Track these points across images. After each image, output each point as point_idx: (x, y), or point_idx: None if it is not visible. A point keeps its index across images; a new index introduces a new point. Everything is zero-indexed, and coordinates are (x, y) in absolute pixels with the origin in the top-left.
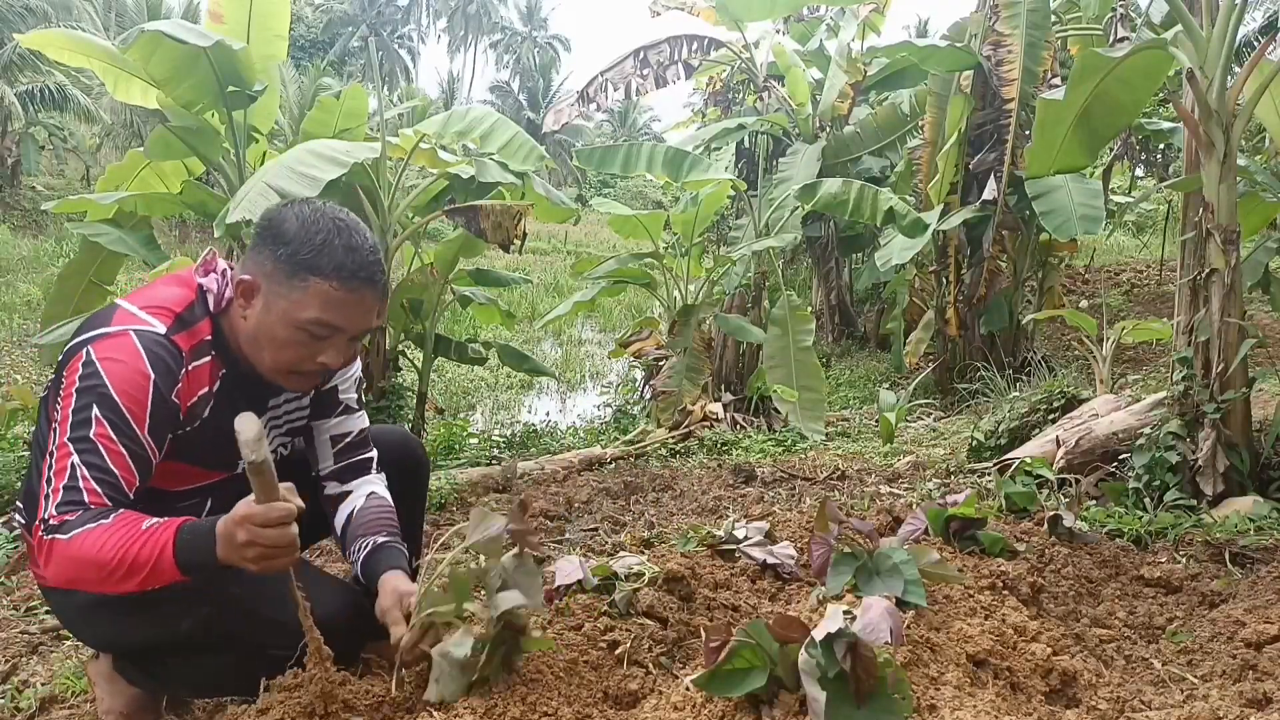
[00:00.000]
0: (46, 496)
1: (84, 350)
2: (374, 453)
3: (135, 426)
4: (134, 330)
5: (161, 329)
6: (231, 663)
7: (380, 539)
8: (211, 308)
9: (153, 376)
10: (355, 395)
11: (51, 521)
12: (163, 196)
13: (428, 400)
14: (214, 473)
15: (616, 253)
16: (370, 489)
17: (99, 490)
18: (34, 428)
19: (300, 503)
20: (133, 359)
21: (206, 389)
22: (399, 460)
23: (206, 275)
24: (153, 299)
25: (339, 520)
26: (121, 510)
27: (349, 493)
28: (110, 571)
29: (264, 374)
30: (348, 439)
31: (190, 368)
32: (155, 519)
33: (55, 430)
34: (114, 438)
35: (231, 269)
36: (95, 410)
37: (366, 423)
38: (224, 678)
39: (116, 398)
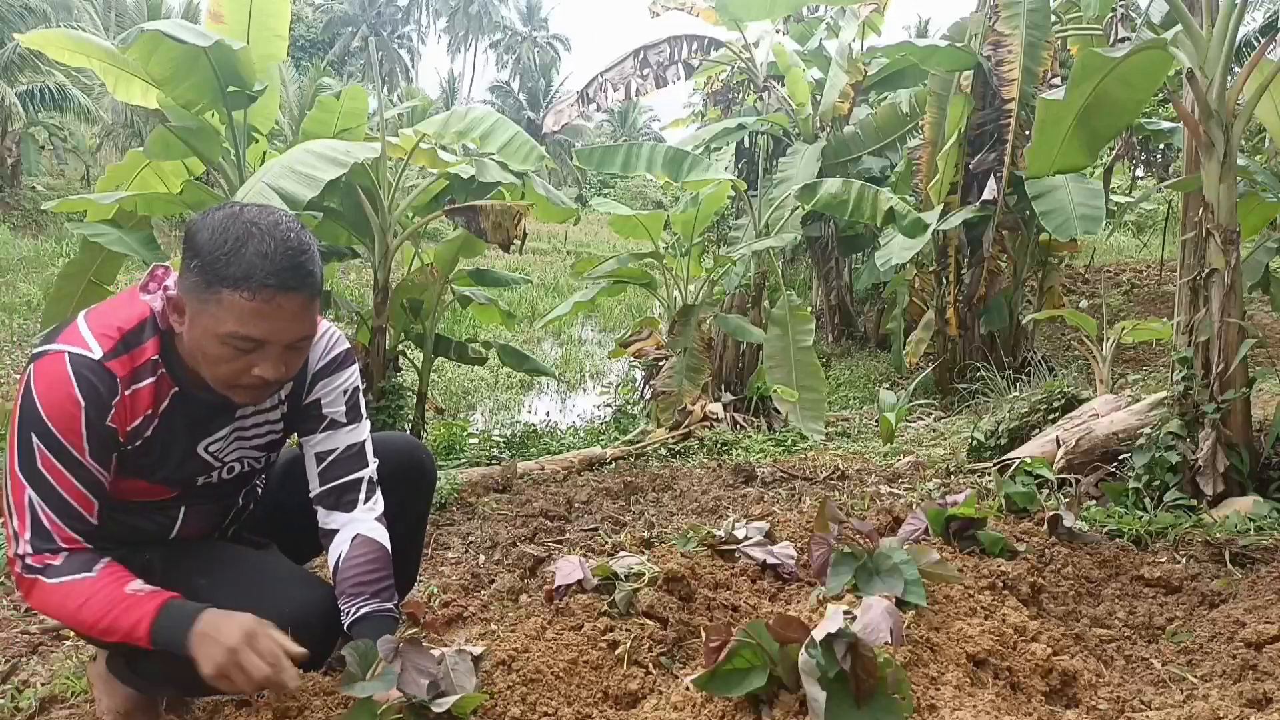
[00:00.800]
0: (15, 534)
1: (31, 368)
2: (368, 470)
3: (76, 454)
4: (69, 353)
5: (98, 354)
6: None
7: (365, 607)
8: (160, 325)
9: (83, 404)
10: (343, 408)
11: (31, 563)
12: (163, 196)
13: (428, 400)
14: (162, 489)
15: (616, 253)
16: (356, 531)
17: (65, 527)
18: None
19: (295, 678)
20: (64, 385)
21: (150, 410)
22: (402, 470)
23: (151, 292)
24: (106, 317)
25: (329, 562)
26: (107, 562)
27: (335, 531)
28: (88, 628)
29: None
30: (333, 455)
31: (127, 393)
32: (140, 585)
33: (5, 451)
34: (59, 467)
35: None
36: (35, 440)
37: (362, 435)
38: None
39: (51, 426)
